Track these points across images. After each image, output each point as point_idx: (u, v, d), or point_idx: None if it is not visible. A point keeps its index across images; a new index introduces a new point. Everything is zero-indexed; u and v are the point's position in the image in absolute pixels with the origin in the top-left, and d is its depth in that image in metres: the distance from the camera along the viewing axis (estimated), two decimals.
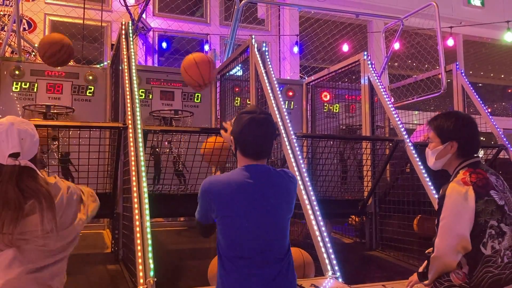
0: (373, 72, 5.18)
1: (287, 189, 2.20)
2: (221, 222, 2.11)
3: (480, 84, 14.07)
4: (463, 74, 5.86)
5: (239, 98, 5.89)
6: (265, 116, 2.20)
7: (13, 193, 1.87)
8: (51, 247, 1.91)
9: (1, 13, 7.23)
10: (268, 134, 2.22)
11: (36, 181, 1.95)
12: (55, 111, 5.29)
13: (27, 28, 9.48)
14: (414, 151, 4.47)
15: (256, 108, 2.30)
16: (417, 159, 4.40)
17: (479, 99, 5.63)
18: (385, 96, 4.94)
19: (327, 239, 3.49)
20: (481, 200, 2.12)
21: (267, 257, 2.08)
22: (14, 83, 5.48)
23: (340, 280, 3.25)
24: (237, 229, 2.07)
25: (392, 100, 6.46)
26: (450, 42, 9.59)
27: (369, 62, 5.26)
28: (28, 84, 5.50)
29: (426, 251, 2.29)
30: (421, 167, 4.33)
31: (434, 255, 2.16)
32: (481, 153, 5.56)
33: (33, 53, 8.16)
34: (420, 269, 2.26)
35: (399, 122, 4.74)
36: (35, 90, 5.54)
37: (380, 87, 5.03)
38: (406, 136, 4.61)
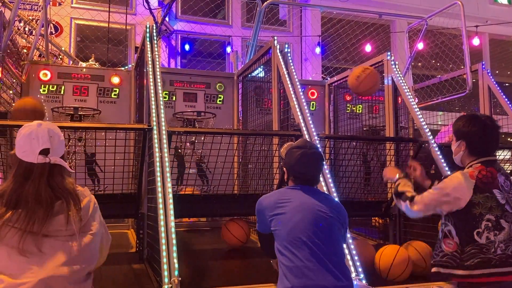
0: (397, 72, 5.12)
1: (337, 206, 2.56)
2: (273, 223, 2.43)
3: (507, 84, 13.77)
4: (489, 74, 5.75)
5: (260, 100, 5.91)
6: (315, 151, 2.57)
7: (45, 192, 1.91)
8: (74, 249, 1.92)
9: (30, 17, 7.41)
10: (318, 167, 2.58)
11: (64, 180, 2.00)
12: (82, 113, 5.40)
13: (53, 32, 9.72)
14: (439, 152, 4.40)
15: (306, 143, 2.66)
16: (442, 161, 4.34)
17: (506, 99, 5.51)
18: (409, 96, 4.88)
19: (350, 241, 3.47)
20: (481, 194, 2.36)
21: (320, 246, 2.31)
22: (42, 85, 5.61)
23: (364, 281, 3.23)
24: (287, 224, 2.35)
25: (416, 100, 6.39)
26: (476, 41, 9.39)
27: (392, 62, 5.21)
28: (55, 86, 5.62)
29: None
30: (446, 168, 4.26)
31: (413, 208, 2.50)
32: (508, 154, 5.44)
33: (60, 57, 8.35)
34: (400, 189, 2.64)
35: (423, 123, 4.67)
36: (62, 92, 5.66)
37: (404, 87, 4.97)
38: (430, 137, 4.55)
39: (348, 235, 3.52)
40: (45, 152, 1.95)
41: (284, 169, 2.62)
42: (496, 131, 2.56)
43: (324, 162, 3.38)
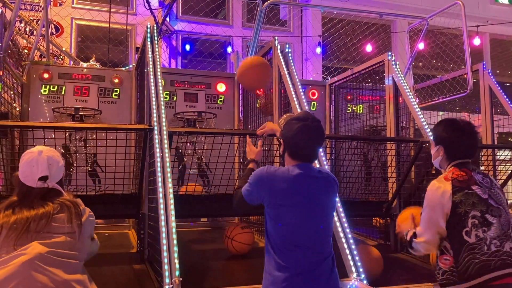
0: (397, 72, 5.12)
1: (333, 189, 2.39)
2: (272, 212, 2.26)
3: (507, 84, 13.75)
4: (490, 74, 5.74)
5: (260, 100, 5.91)
6: (316, 124, 2.34)
7: (38, 202, 2.13)
8: (75, 247, 2.10)
9: (31, 18, 7.42)
10: (319, 141, 2.40)
11: (61, 197, 2.21)
12: (82, 113, 5.40)
13: (54, 32, 9.72)
14: None
15: (308, 115, 2.40)
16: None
17: (507, 99, 5.51)
18: (410, 96, 4.88)
19: (351, 241, 3.48)
20: (460, 192, 2.37)
21: (317, 247, 2.24)
22: (43, 86, 5.61)
23: (365, 282, 3.23)
24: (291, 217, 2.22)
25: (417, 100, 6.38)
26: (477, 41, 9.38)
27: (393, 62, 5.21)
28: (56, 87, 5.63)
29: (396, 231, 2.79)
30: None
31: (419, 240, 2.47)
32: (509, 154, 5.44)
33: (61, 57, 8.36)
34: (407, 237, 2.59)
35: (424, 123, 4.67)
36: (63, 93, 5.66)
37: (405, 87, 4.97)
38: (431, 137, 4.54)
39: (349, 235, 3.53)
40: (44, 178, 2.17)
41: (281, 140, 2.39)
42: (474, 136, 2.57)
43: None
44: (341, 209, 3.64)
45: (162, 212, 3.26)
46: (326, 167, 3.92)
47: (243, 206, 2.44)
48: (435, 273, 2.47)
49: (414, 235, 2.51)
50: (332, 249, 2.33)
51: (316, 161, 3.88)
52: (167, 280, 2.91)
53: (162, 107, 3.88)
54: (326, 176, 2.38)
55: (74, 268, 2.07)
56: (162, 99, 3.94)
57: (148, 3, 7.91)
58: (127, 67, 7.67)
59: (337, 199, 3.72)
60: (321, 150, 4.00)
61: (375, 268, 3.83)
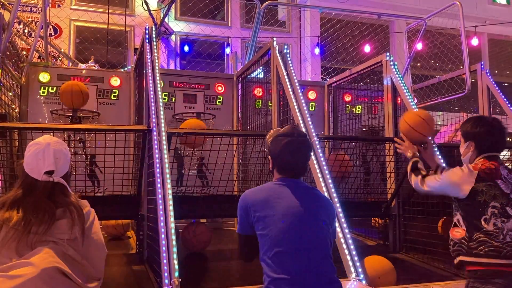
0: (396, 73, 5.13)
1: (326, 204, 2.35)
2: (258, 224, 2.19)
3: (506, 84, 13.78)
4: (488, 74, 5.75)
5: (260, 101, 5.92)
6: (302, 139, 2.34)
7: (44, 203, 2.04)
8: (76, 254, 2.02)
9: (29, 19, 7.41)
10: (305, 156, 2.37)
11: (66, 196, 2.13)
12: (81, 115, 5.40)
13: (53, 34, 9.72)
14: (438, 153, 4.41)
15: (293, 130, 2.40)
16: (442, 161, 4.34)
17: (505, 99, 5.52)
18: (408, 97, 4.89)
19: (350, 241, 3.48)
20: (483, 182, 2.47)
21: (308, 252, 2.14)
22: (42, 87, 5.61)
23: (364, 282, 3.24)
24: (272, 225, 2.15)
25: (416, 101, 6.39)
26: (475, 41, 9.40)
27: (391, 62, 5.22)
28: (55, 88, 5.62)
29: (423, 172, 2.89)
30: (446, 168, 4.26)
31: (425, 187, 2.76)
32: (508, 154, 5.45)
33: (59, 58, 8.36)
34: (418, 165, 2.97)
35: None
36: None
37: (403, 87, 4.98)
38: (430, 138, 4.55)
39: (348, 235, 3.53)
40: (50, 172, 2.09)
41: (269, 157, 2.40)
42: (503, 131, 2.67)
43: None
44: (340, 210, 3.64)
45: (161, 213, 3.27)
46: (325, 167, 3.92)
47: (246, 244, 2.30)
48: (448, 244, 2.57)
49: (423, 177, 2.78)
50: (332, 262, 2.21)
51: (315, 161, 3.90)
52: (166, 281, 2.91)
53: (161, 108, 3.88)
54: (314, 190, 2.38)
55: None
56: (160, 100, 3.94)
57: (147, 4, 7.91)
58: (125, 69, 7.67)
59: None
60: (320, 150, 4.01)
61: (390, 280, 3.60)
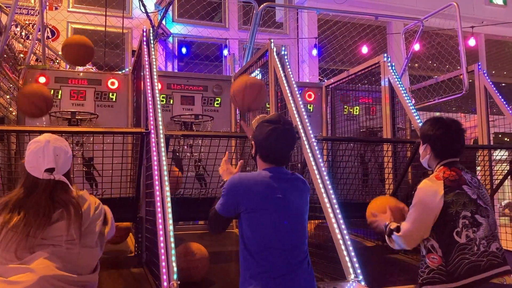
0: (393, 73, 5.14)
1: (304, 191, 2.39)
2: (249, 217, 2.23)
3: (503, 84, 13.81)
4: (485, 74, 5.77)
5: None
6: (288, 128, 2.33)
7: (45, 203, 2.03)
8: (74, 254, 2.02)
9: (27, 22, 7.41)
10: (290, 145, 2.37)
11: (67, 193, 2.11)
12: (79, 117, 5.39)
13: (50, 37, 9.71)
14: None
15: (279, 118, 2.38)
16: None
17: (502, 99, 5.53)
18: (406, 97, 4.89)
19: (349, 242, 3.48)
20: (451, 192, 2.37)
21: (296, 249, 2.23)
22: None
23: (362, 283, 3.23)
24: (268, 220, 2.20)
25: (413, 101, 6.40)
26: (472, 42, 9.42)
27: (389, 63, 5.23)
28: (52, 91, 5.61)
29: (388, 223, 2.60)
30: None
31: (401, 234, 2.46)
32: (506, 154, 5.46)
33: (57, 61, 8.35)
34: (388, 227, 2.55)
35: (420, 124, 4.68)
36: (59, 97, 5.65)
37: (401, 88, 4.99)
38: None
39: (347, 237, 3.53)
40: (50, 170, 2.08)
41: (252, 142, 2.38)
42: (461, 133, 2.57)
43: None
44: (338, 211, 3.64)
45: (159, 215, 3.26)
46: (323, 168, 3.93)
47: (220, 223, 2.35)
48: (418, 271, 2.46)
49: (397, 229, 2.49)
50: (308, 250, 2.33)
51: (313, 163, 3.90)
52: (165, 284, 2.91)
53: (159, 110, 3.88)
54: (297, 178, 2.39)
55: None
56: (158, 102, 3.94)
57: (144, 6, 7.91)
58: (123, 71, 7.67)
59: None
60: (318, 152, 4.01)
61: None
